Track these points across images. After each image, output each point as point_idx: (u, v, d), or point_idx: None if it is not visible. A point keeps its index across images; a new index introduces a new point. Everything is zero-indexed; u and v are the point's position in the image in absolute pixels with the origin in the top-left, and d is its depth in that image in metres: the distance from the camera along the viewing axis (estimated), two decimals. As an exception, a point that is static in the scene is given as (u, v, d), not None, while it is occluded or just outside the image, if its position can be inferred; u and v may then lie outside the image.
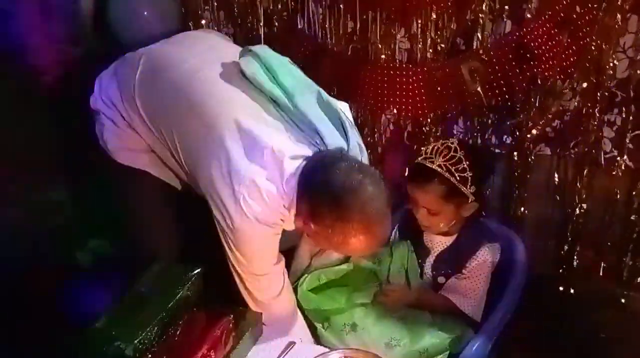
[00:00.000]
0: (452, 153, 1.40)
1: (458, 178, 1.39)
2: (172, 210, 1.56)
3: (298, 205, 1.24)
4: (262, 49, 1.41)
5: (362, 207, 1.17)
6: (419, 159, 1.47)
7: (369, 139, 2.10)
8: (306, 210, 1.23)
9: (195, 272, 1.35)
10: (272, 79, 1.33)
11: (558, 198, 1.88)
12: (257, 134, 1.25)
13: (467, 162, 1.39)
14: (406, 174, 1.65)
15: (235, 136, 1.25)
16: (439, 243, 1.53)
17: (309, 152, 1.25)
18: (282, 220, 1.28)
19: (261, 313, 1.35)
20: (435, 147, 1.44)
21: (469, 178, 1.39)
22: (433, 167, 1.41)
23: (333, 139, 1.26)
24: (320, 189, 1.19)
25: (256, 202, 1.22)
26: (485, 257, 1.46)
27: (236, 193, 1.22)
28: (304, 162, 1.24)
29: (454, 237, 1.51)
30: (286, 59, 1.42)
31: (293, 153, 1.24)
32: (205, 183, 1.29)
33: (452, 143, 1.43)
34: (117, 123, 1.45)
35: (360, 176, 1.19)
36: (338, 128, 1.30)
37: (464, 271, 1.46)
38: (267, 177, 1.22)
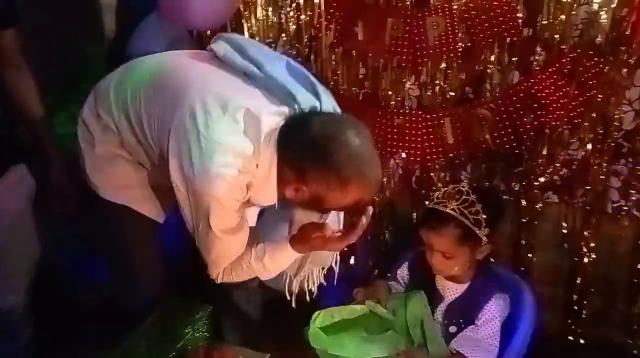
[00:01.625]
0: (464, 196, 1.42)
1: (472, 221, 1.41)
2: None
3: (282, 170, 1.24)
4: (231, 35, 1.47)
5: (351, 150, 1.17)
6: (431, 203, 1.49)
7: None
8: (293, 171, 1.22)
9: (204, 311, 1.36)
10: (242, 56, 1.36)
11: (566, 246, 1.88)
12: (232, 96, 1.25)
13: (480, 205, 1.42)
14: (418, 218, 1.66)
15: (207, 98, 1.24)
16: (451, 290, 1.52)
17: (286, 111, 1.26)
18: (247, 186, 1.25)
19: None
20: (447, 192, 1.47)
21: (483, 220, 1.42)
22: (447, 210, 1.42)
23: (306, 100, 1.27)
24: (306, 142, 1.19)
25: (225, 159, 1.19)
26: (497, 308, 1.45)
27: (205, 149, 1.19)
28: (283, 121, 1.24)
29: (467, 285, 1.51)
30: (254, 40, 1.44)
31: (270, 111, 1.24)
32: (172, 142, 1.25)
33: (463, 187, 1.45)
34: (95, 136, 1.43)
35: (342, 122, 1.23)
36: (310, 90, 1.31)
37: (476, 323, 1.45)
38: (240, 134, 1.21)
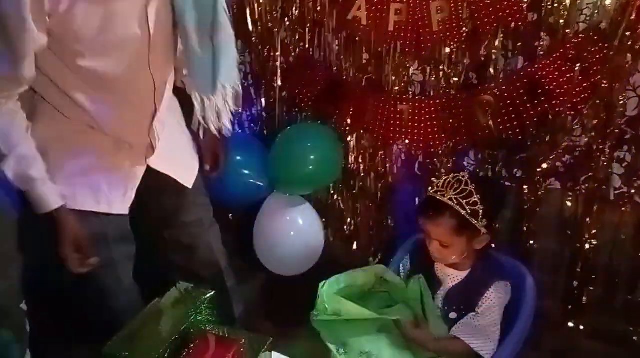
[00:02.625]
0: (462, 186, 1.41)
1: (469, 211, 1.40)
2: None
3: None
4: None
5: None
6: (430, 191, 1.49)
7: (380, 168, 2.13)
8: None
9: (208, 295, 1.37)
10: None
11: (568, 232, 1.88)
12: None
13: (478, 196, 1.40)
14: (418, 206, 1.66)
15: None
16: (451, 277, 1.52)
17: None
18: None
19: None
20: (447, 181, 1.46)
21: (480, 211, 1.40)
22: (444, 200, 1.42)
23: None
24: None
25: None
26: (497, 295, 1.45)
27: None
28: None
29: (467, 272, 1.51)
30: None
31: None
32: None
33: (463, 176, 1.44)
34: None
35: None
36: None
37: (477, 310, 1.45)
38: None
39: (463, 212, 1.40)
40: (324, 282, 1.48)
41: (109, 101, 1.35)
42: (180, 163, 1.58)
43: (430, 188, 1.50)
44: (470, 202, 1.40)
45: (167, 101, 1.47)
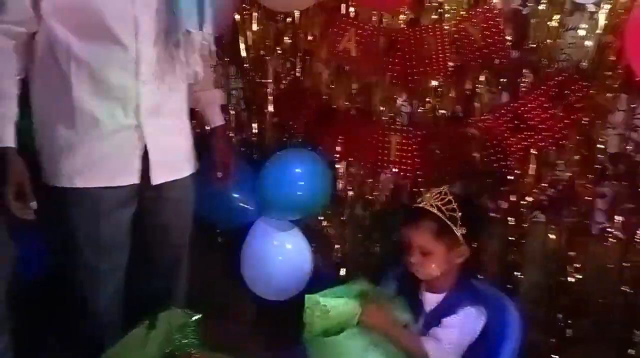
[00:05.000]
0: (442, 195, 1.52)
1: (448, 216, 1.48)
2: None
3: None
4: None
5: None
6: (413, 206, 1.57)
7: (368, 196, 2.16)
8: None
9: (194, 319, 1.39)
10: None
11: (552, 265, 1.90)
12: None
13: (456, 203, 1.50)
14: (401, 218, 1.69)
15: None
16: (430, 300, 1.56)
17: None
18: None
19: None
20: (428, 193, 1.56)
21: (458, 218, 1.49)
22: (424, 206, 1.51)
23: None
24: None
25: None
26: (465, 315, 1.48)
27: None
28: None
29: (443, 295, 1.55)
30: None
31: None
32: None
33: (443, 188, 1.55)
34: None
35: None
36: None
37: (442, 320, 1.49)
38: None
39: (442, 216, 1.48)
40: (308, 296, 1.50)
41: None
42: (179, 159, 1.63)
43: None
44: (449, 208, 1.49)
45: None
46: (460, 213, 1.48)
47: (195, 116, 1.90)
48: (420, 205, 1.53)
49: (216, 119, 1.83)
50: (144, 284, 1.70)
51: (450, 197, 1.50)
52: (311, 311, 1.45)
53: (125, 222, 1.56)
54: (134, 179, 1.51)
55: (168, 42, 1.48)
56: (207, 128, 1.88)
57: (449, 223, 1.48)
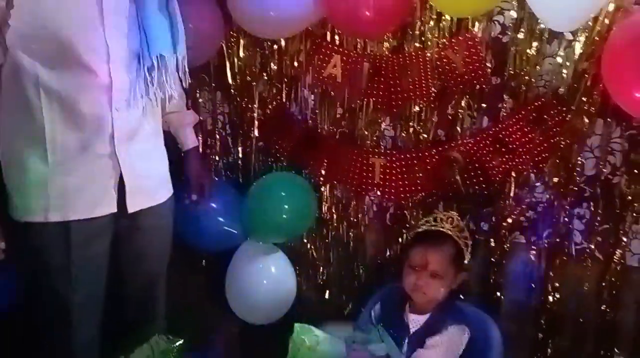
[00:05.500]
0: (456, 221, 1.57)
1: (463, 243, 1.54)
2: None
3: None
4: None
5: None
6: (424, 226, 1.59)
7: (352, 218, 2.18)
8: None
9: (177, 343, 1.38)
10: None
11: (532, 285, 1.93)
12: None
13: (467, 233, 1.56)
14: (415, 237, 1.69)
15: None
16: (414, 321, 1.58)
17: None
18: None
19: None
20: (439, 217, 1.59)
21: (469, 246, 1.55)
22: (444, 230, 1.54)
23: None
24: None
25: None
26: (450, 334, 1.50)
27: None
28: None
29: (427, 316, 1.56)
30: None
31: None
32: None
33: (454, 214, 1.60)
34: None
35: None
36: None
37: (426, 341, 1.51)
38: None
39: (461, 243, 1.53)
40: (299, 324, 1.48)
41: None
42: (154, 184, 1.59)
43: (418, 226, 1.63)
44: (463, 235, 1.55)
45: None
46: (470, 243, 1.55)
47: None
48: (439, 228, 1.55)
49: (189, 141, 1.83)
50: (120, 315, 1.65)
51: (462, 224, 1.56)
52: (300, 340, 1.42)
53: (101, 253, 1.51)
54: (112, 208, 1.47)
55: (141, 67, 1.43)
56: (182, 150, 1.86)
57: (463, 249, 1.53)
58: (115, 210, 1.47)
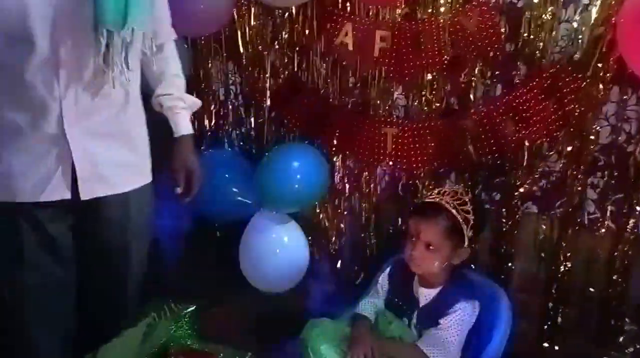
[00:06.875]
0: (458, 195, 1.51)
1: (463, 218, 1.48)
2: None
3: None
4: None
5: None
6: (425, 199, 1.57)
7: (364, 189, 2.19)
8: None
9: (189, 310, 1.41)
10: None
11: (543, 255, 1.93)
12: None
13: (471, 206, 1.50)
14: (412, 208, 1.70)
15: None
16: (423, 295, 1.57)
17: None
18: None
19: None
20: (443, 190, 1.55)
21: (471, 220, 1.49)
22: (442, 202, 1.50)
23: None
24: None
25: None
26: (462, 311, 1.49)
27: None
28: None
29: (438, 290, 1.55)
30: None
31: None
32: None
33: (459, 188, 1.56)
34: None
35: None
36: None
37: (440, 321, 1.50)
38: None
39: (458, 216, 1.48)
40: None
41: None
42: (117, 172, 1.43)
43: (424, 197, 1.60)
44: (464, 209, 1.49)
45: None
46: (473, 217, 1.49)
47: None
48: (437, 201, 1.51)
49: (179, 128, 1.58)
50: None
51: (467, 199, 1.50)
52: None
53: (60, 240, 1.41)
54: (63, 194, 1.35)
55: (92, 44, 1.27)
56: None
57: (461, 223, 1.48)
58: (68, 196, 1.35)
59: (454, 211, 1.48)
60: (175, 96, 1.57)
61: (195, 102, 1.65)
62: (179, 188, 1.57)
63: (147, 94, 1.55)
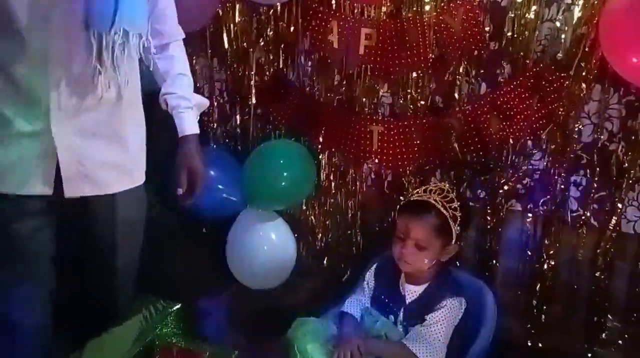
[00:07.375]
0: (445, 193, 1.52)
1: (451, 215, 1.49)
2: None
3: None
4: None
5: None
6: (413, 197, 1.56)
7: (351, 186, 2.19)
8: None
9: (174, 308, 1.41)
10: None
11: (528, 252, 1.95)
12: None
13: (458, 203, 1.51)
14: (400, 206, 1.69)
15: None
16: (410, 292, 1.57)
17: None
18: None
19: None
20: (429, 188, 1.55)
21: (458, 217, 1.49)
22: (429, 200, 1.50)
23: None
24: None
25: None
26: (447, 311, 1.50)
27: None
28: None
29: (424, 287, 1.56)
30: None
31: None
32: None
33: (445, 185, 1.55)
34: None
35: None
36: None
37: (426, 318, 1.51)
38: None
39: (446, 214, 1.48)
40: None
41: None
42: (106, 172, 1.41)
43: (411, 195, 1.58)
44: (452, 207, 1.49)
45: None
46: (460, 214, 1.49)
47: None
48: (425, 199, 1.51)
49: (183, 127, 1.54)
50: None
51: (453, 196, 1.51)
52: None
53: (41, 234, 1.40)
54: (45, 189, 1.34)
55: (83, 43, 1.28)
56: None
57: (450, 221, 1.49)
58: (50, 192, 1.35)
59: (442, 209, 1.48)
60: (178, 95, 1.54)
61: (202, 102, 1.63)
62: (180, 189, 1.52)
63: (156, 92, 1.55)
